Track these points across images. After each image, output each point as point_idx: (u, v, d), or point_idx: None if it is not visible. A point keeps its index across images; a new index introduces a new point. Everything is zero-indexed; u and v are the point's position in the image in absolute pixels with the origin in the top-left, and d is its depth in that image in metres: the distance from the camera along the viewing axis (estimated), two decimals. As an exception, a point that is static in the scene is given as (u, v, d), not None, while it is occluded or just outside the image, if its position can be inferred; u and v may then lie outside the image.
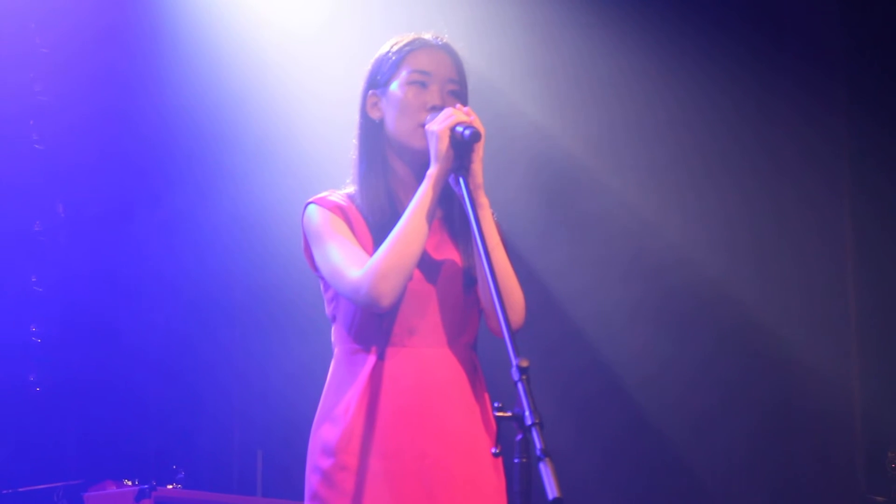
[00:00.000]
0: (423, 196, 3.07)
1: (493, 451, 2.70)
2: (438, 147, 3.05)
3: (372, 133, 3.27)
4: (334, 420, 3.13)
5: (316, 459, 3.14)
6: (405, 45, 3.27)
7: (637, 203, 6.25)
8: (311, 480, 3.14)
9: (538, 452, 2.40)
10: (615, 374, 6.21)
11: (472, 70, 3.32)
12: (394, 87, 3.23)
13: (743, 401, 6.06)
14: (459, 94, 3.25)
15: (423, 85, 3.22)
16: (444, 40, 3.30)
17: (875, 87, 5.97)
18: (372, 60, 3.32)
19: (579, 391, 6.19)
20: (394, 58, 3.26)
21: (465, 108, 3.10)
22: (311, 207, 3.22)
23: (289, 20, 6.37)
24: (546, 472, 2.36)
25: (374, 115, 3.27)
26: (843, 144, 6.04)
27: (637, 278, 6.20)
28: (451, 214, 3.26)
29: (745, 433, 6.04)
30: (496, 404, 2.57)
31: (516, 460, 2.50)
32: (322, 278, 3.22)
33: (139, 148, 6.42)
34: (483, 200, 3.10)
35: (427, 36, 3.30)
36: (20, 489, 5.68)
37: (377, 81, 3.28)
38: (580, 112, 6.30)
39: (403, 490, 3.08)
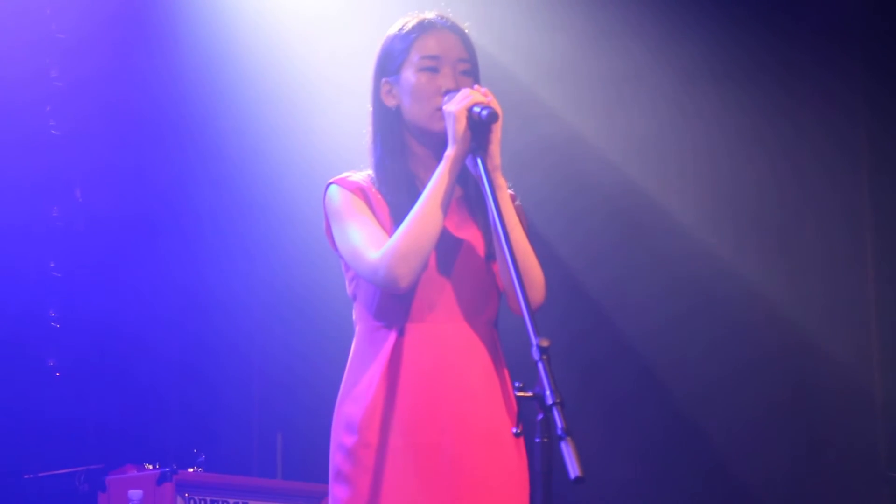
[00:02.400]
0: (440, 177, 3.08)
1: (514, 430, 2.70)
2: (456, 128, 3.04)
3: (388, 120, 3.27)
4: (357, 398, 3.14)
5: (340, 437, 3.16)
6: (411, 31, 3.26)
7: (654, 189, 6.24)
8: (335, 458, 3.16)
9: (559, 432, 2.40)
10: (636, 358, 6.21)
11: (485, 56, 3.31)
12: (406, 74, 3.23)
13: (763, 378, 6.05)
14: (471, 72, 3.24)
15: (434, 70, 3.21)
16: (450, 19, 3.29)
17: (891, 63, 5.95)
18: (380, 47, 3.31)
19: (601, 377, 6.20)
20: (401, 44, 3.25)
21: (483, 89, 3.10)
22: (333, 188, 3.23)
23: (308, 6, 6.36)
24: (567, 451, 2.36)
25: (390, 102, 3.27)
26: (861, 124, 6.02)
27: (658, 264, 6.20)
28: (469, 193, 3.26)
29: (765, 410, 6.04)
30: (517, 384, 2.57)
31: (537, 440, 2.50)
32: (342, 258, 3.23)
33: (156, 133, 6.43)
34: (501, 182, 3.09)
35: (431, 16, 3.29)
36: (42, 474, 5.70)
37: (388, 69, 3.27)
38: (592, 95, 6.30)
39: (427, 465, 3.09)
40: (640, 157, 6.26)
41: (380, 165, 3.25)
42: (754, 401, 6.04)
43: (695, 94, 6.20)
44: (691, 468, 6.13)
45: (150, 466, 5.45)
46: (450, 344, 3.15)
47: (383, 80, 3.28)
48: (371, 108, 3.31)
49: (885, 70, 5.96)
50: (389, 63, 3.27)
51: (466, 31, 3.29)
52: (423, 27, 3.26)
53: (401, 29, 3.28)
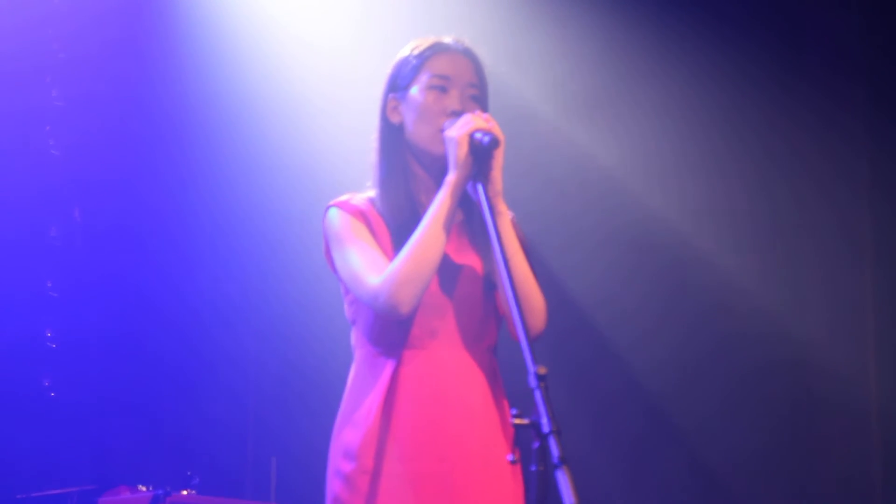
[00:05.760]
0: (441, 203, 3.06)
1: (510, 458, 2.69)
2: (457, 153, 3.03)
3: (392, 137, 3.26)
4: (356, 424, 3.13)
5: (337, 463, 3.14)
6: (426, 50, 3.26)
7: (653, 201, 6.25)
8: (333, 484, 3.14)
9: (555, 460, 2.39)
10: (630, 373, 6.21)
11: (490, 73, 3.31)
12: (414, 91, 3.23)
13: (759, 407, 6.04)
14: (479, 98, 3.23)
15: (442, 90, 3.21)
16: (465, 44, 3.29)
17: (894, 87, 5.96)
18: (392, 63, 3.31)
19: (594, 391, 6.20)
20: (414, 62, 3.25)
21: (485, 115, 3.10)
22: (333, 211, 3.22)
23: (311, 31, 6.37)
24: (563, 480, 2.35)
25: (395, 118, 3.26)
26: (863, 146, 6.03)
27: (653, 276, 6.20)
28: (471, 218, 3.25)
29: (760, 440, 6.03)
30: (513, 411, 2.55)
31: (533, 468, 2.49)
32: (342, 281, 3.22)
33: (156, 153, 6.43)
34: (502, 208, 3.09)
35: (447, 40, 3.28)
36: (35, 494, 5.68)
37: (397, 85, 3.27)
38: (595, 110, 6.31)
39: (425, 493, 3.07)
40: (643, 174, 6.27)
41: (382, 184, 3.24)
42: (748, 428, 6.03)
43: (698, 116, 6.22)
44: (679, 487, 6.12)
45: (144, 488, 5.43)
46: (449, 371, 3.14)
47: (391, 95, 3.28)
48: (377, 124, 3.30)
49: (886, 95, 5.97)
50: (399, 79, 3.27)
51: (481, 58, 3.29)
52: (437, 48, 3.26)
53: (415, 48, 3.29)
